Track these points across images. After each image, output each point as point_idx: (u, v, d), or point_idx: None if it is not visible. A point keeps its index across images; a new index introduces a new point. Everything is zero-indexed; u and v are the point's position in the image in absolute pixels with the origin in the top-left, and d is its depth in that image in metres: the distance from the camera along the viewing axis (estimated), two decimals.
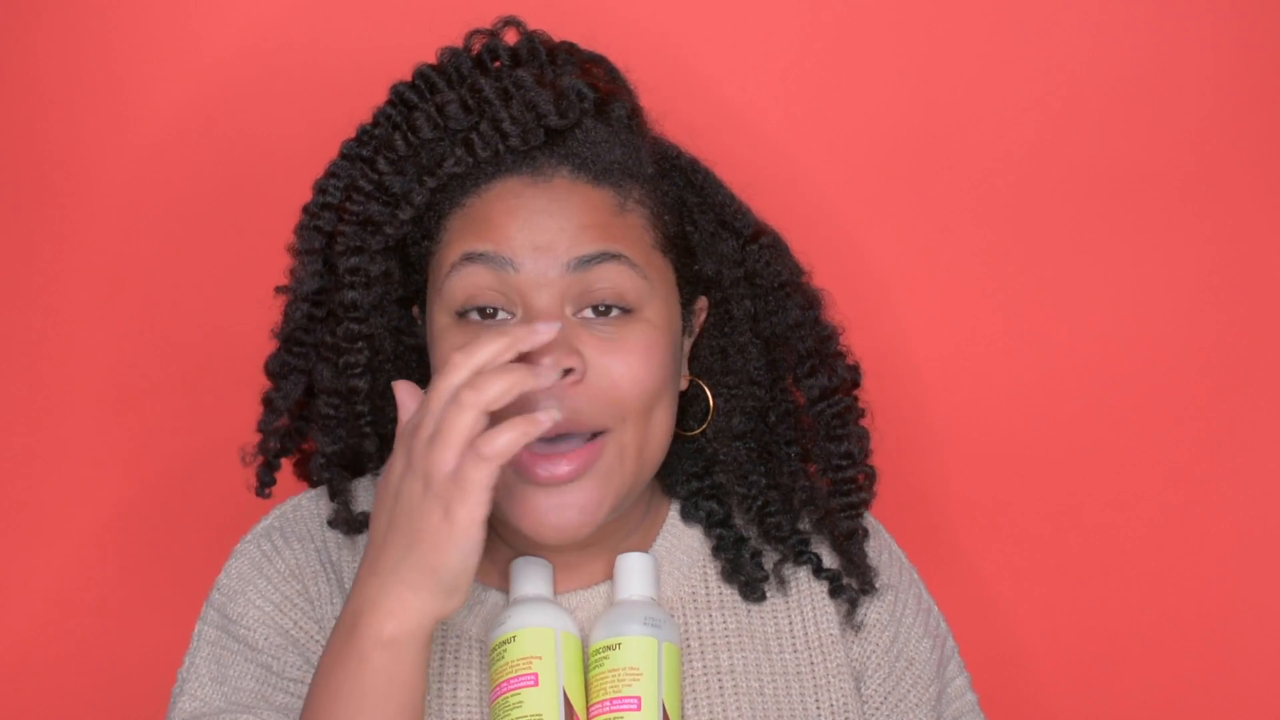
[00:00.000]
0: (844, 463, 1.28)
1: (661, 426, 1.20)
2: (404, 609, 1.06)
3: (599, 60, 1.27)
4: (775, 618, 1.28)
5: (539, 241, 1.16)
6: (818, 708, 1.25)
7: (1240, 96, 1.56)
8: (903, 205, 1.57)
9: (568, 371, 1.14)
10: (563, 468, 1.16)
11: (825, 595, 1.28)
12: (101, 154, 1.54)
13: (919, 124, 1.56)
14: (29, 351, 1.55)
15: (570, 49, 1.26)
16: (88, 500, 1.57)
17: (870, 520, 1.32)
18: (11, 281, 1.55)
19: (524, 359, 1.12)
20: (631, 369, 1.16)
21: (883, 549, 1.32)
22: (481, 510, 1.04)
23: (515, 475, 1.17)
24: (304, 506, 1.28)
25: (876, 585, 1.28)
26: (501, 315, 1.17)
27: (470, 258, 1.17)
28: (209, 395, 1.56)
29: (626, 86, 1.28)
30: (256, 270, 1.50)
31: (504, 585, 1.25)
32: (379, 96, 1.24)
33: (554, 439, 1.16)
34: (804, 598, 1.29)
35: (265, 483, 1.31)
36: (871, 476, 1.31)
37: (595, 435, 1.17)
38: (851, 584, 1.28)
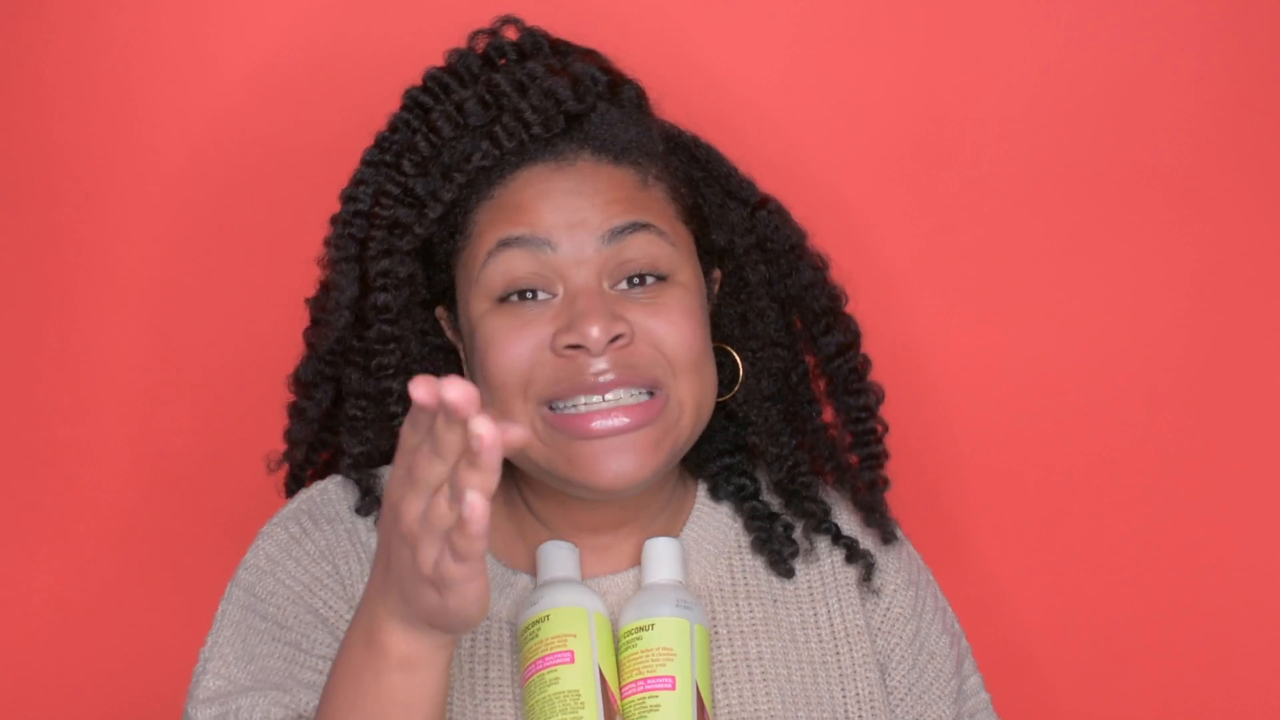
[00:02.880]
0: (864, 414, 1.32)
1: (710, 382, 1.23)
2: (416, 640, 1.01)
3: (592, 54, 1.30)
4: (800, 608, 1.28)
5: (572, 220, 1.19)
6: (844, 696, 1.26)
7: (1240, 96, 1.58)
8: (904, 203, 1.58)
9: (616, 338, 1.17)
10: (619, 419, 1.17)
11: (851, 588, 1.29)
12: (112, 160, 1.54)
13: (921, 121, 1.57)
14: (33, 353, 1.56)
15: (566, 45, 1.29)
16: (92, 501, 1.56)
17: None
18: (17, 283, 1.55)
19: (566, 330, 1.15)
20: (676, 327, 1.19)
21: (901, 548, 1.34)
22: (476, 589, 0.95)
23: (566, 437, 1.18)
24: (330, 491, 1.28)
25: (898, 535, 1.31)
26: (542, 295, 1.19)
27: (507, 243, 1.19)
28: (215, 398, 1.56)
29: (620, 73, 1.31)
30: (263, 274, 1.53)
31: (533, 569, 1.25)
32: (384, 101, 1.26)
33: (609, 394, 1.17)
34: (829, 590, 1.29)
35: (293, 492, 1.32)
36: (885, 428, 1.34)
37: (651, 394, 1.19)
38: (867, 548, 1.30)
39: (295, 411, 1.30)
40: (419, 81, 1.26)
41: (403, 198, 1.22)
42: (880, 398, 1.33)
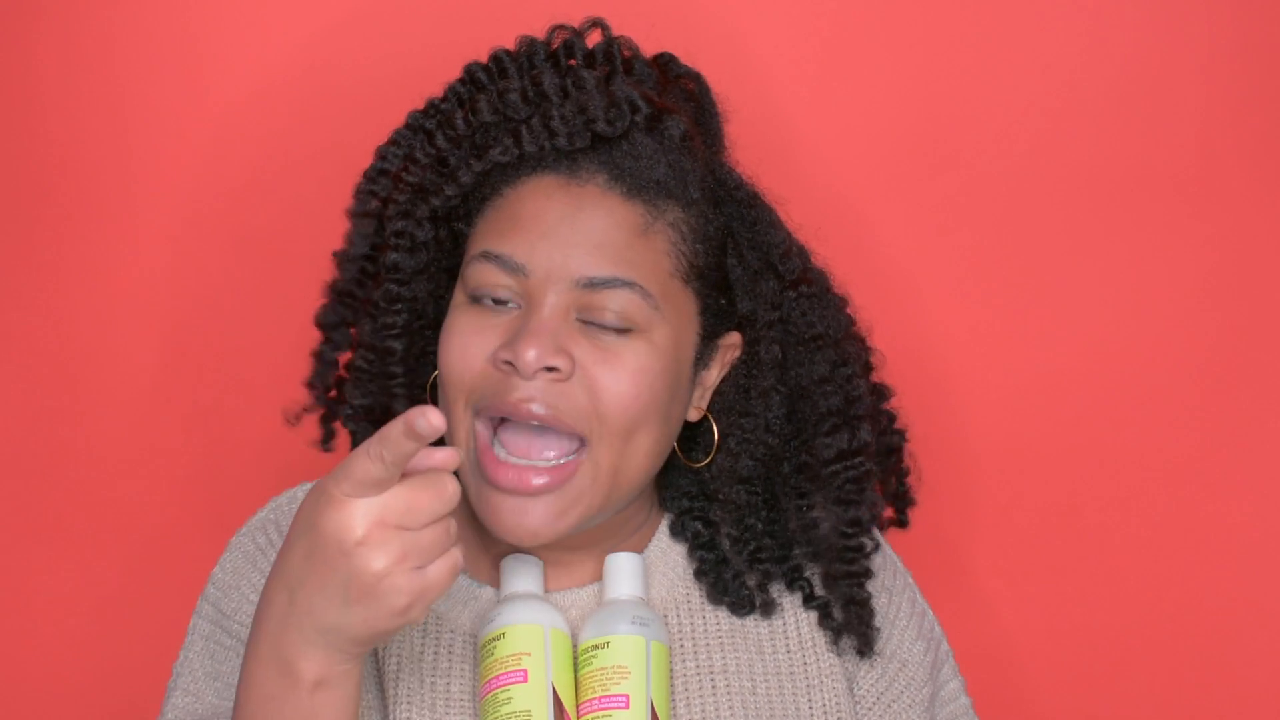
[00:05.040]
0: (851, 530, 1.27)
1: (643, 452, 1.20)
2: (331, 661, 1.04)
3: (694, 76, 1.28)
4: (768, 618, 1.28)
5: (554, 254, 1.17)
6: (810, 708, 1.25)
7: (1244, 96, 1.55)
8: (909, 206, 1.57)
9: (552, 370, 1.15)
10: (531, 480, 1.16)
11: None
12: (112, 162, 1.55)
13: (926, 123, 1.56)
14: (30, 352, 1.57)
15: (668, 62, 1.27)
16: (89, 500, 1.58)
17: None
18: (12, 283, 1.56)
19: (507, 345, 1.15)
20: (620, 383, 1.17)
21: (875, 551, 1.31)
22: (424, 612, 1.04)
23: (481, 476, 1.18)
24: (299, 499, 1.29)
25: (875, 651, 1.27)
26: (511, 305, 1.18)
27: (487, 255, 1.18)
28: (214, 397, 1.58)
29: (714, 109, 1.29)
30: (265, 276, 1.54)
31: (496, 581, 1.26)
32: (386, 107, 1.27)
33: (535, 429, 1.17)
34: (797, 602, 1.29)
35: (329, 434, 1.32)
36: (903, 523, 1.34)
37: (578, 445, 1.17)
38: (851, 641, 1.27)
39: (316, 356, 1.31)
40: (448, 78, 1.27)
41: (430, 166, 1.23)
42: (877, 515, 1.29)
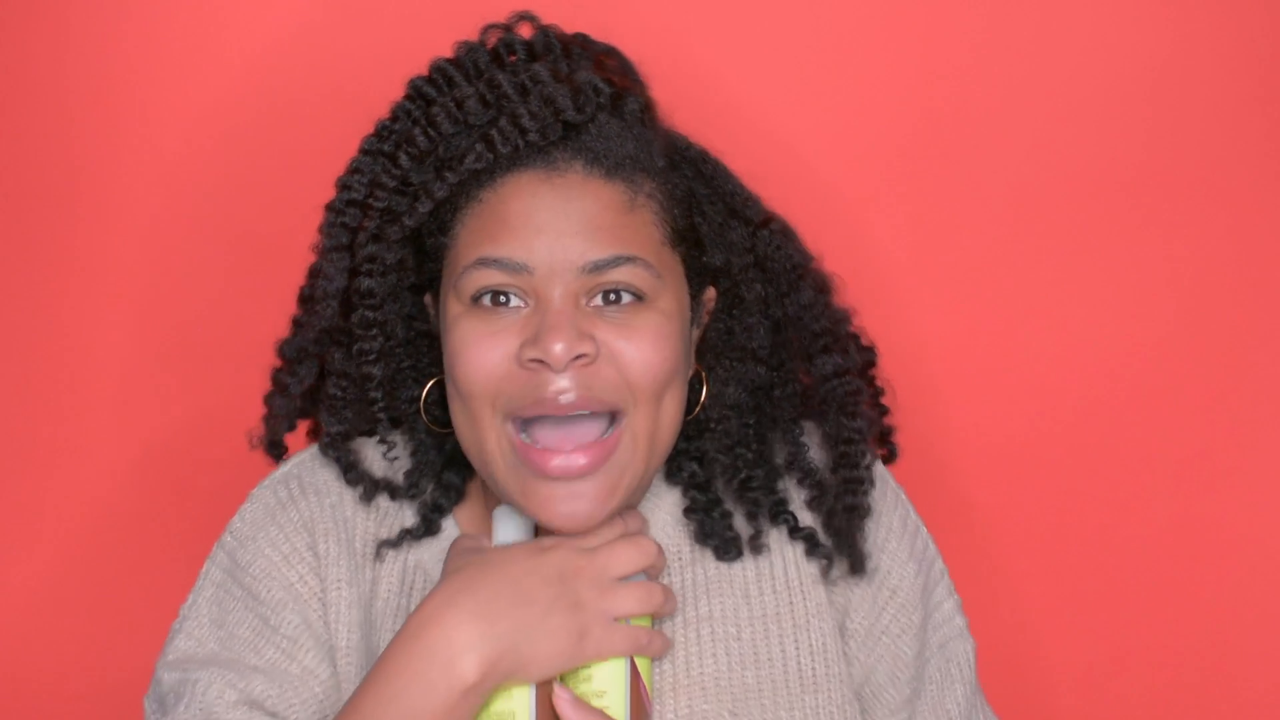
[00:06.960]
0: (855, 436, 1.29)
1: (670, 413, 1.22)
2: (490, 672, 1.14)
3: (611, 52, 1.29)
4: (756, 562, 1.29)
5: (554, 246, 1.18)
6: (796, 648, 1.26)
7: (1243, 97, 1.54)
8: (906, 202, 1.57)
9: (580, 357, 1.17)
10: (579, 461, 1.18)
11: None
12: (107, 159, 1.57)
13: (925, 120, 1.56)
14: (29, 348, 1.59)
15: (584, 41, 1.28)
16: (86, 496, 1.61)
17: None
18: (10, 279, 1.58)
19: (531, 343, 1.17)
20: (643, 353, 1.19)
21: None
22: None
23: (526, 470, 1.20)
24: (321, 457, 1.31)
25: (867, 569, 1.28)
26: (514, 302, 1.20)
27: (485, 262, 1.19)
28: (208, 392, 1.60)
29: (638, 78, 1.30)
30: (256, 271, 1.55)
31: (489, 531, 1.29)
32: (378, 95, 1.26)
33: (567, 418, 1.19)
34: (784, 541, 1.29)
35: (276, 456, 1.34)
36: (891, 453, 1.34)
37: (612, 420, 1.20)
38: (841, 562, 1.28)
39: (278, 385, 1.31)
40: (423, 71, 1.26)
41: (398, 189, 1.23)
42: (873, 428, 1.31)
